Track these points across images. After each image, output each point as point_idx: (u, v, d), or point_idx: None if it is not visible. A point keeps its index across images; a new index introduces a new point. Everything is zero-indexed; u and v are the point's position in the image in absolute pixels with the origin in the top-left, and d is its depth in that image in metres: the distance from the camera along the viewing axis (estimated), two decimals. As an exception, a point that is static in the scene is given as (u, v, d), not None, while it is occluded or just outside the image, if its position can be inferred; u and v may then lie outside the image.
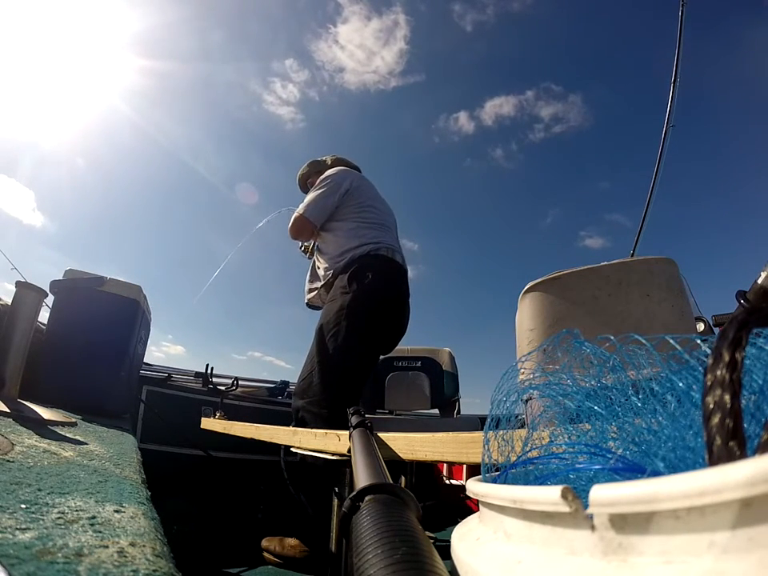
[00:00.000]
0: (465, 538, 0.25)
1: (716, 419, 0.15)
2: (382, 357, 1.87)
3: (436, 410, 2.28)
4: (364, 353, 1.49)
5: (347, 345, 1.43)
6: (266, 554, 1.33)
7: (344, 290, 1.50)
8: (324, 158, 1.87)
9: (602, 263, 0.80)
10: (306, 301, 1.75)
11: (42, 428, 0.80)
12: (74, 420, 1.00)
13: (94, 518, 0.36)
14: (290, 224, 1.67)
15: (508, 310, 0.89)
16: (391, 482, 0.28)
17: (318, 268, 1.69)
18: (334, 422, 1.24)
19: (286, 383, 2.79)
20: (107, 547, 0.30)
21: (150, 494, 0.53)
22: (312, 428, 1.00)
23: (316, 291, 1.68)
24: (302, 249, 1.91)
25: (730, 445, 0.14)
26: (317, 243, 1.74)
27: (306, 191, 1.81)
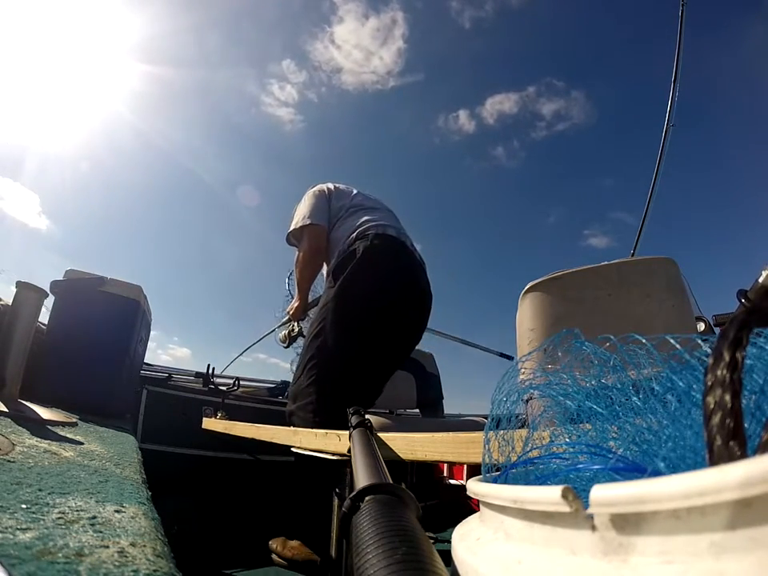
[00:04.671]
0: (465, 538, 0.25)
1: (716, 419, 0.15)
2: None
3: (417, 411, 2.23)
4: (357, 350, 1.30)
5: (333, 343, 1.30)
6: (273, 555, 1.33)
7: (329, 286, 1.37)
8: None
9: (603, 263, 0.80)
10: None
11: (42, 428, 0.81)
12: (74, 420, 1.00)
13: (94, 518, 0.36)
14: (303, 243, 1.48)
15: (509, 309, 0.89)
16: (391, 481, 0.28)
17: None
18: (324, 428, 1.12)
19: (286, 383, 2.79)
20: (108, 547, 0.30)
21: (150, 494, 0.53)
22: None
23: None
24: (288, 331, 1.72)
25: (730, 444, 0.14)
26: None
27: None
